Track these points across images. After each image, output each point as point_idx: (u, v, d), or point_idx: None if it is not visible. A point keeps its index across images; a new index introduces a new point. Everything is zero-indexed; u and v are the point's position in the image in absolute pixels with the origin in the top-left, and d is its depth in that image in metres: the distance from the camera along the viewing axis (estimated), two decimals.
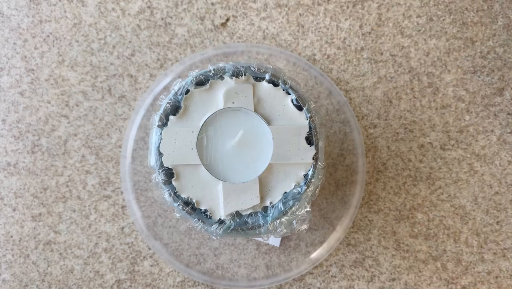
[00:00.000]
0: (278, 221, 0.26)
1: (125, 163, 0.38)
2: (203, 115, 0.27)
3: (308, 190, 0.26)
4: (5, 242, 0.39)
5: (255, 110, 0.27)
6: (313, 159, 0.26)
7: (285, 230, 0.26)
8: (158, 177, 0.26)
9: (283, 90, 0.27)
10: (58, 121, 0.39)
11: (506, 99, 0.39)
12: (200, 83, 0.27)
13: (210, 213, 0.26)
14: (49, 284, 0.38)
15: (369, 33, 0.40)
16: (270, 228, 0.26)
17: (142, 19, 0.40)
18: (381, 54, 0.40)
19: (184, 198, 0.26)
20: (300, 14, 0.40)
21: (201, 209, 0.26)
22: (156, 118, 0.27)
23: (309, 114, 0.27)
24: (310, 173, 0.26)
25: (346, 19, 0.40)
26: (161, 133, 0.26)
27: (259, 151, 0.27)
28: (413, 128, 0.39)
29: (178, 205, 0.26)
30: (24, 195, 0.39)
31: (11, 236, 0.39)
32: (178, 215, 0.27)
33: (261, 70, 0.27)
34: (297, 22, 0.40)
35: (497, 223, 0.39)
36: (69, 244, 0.38)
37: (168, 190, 0.26)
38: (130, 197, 0.38)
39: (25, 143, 0.39)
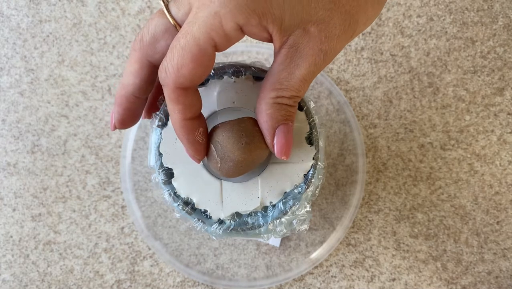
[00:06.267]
0: (278, 221, 0.26)
1: (125, 163, 0.38)
2: (203, 115, 0.27)
3: (308, 190, 0.26)
4: (5, 242, 0.38)
5: (255, 110, 0.27)
6: (313, 159, 0.26)
7: (285, 230, 0.26)
8: (158, 177, 0.26)
9: None
10: (58, 121, 0.39)
11: (506, 99, 0.39)
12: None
13: (210, 213, 0.26)
14: (49, 284, 0.38)
15: (369, 33, 0.40)
16: (270, 228, 0.26)
17: (142, 19, 0.40)
18: (381, 54, 0.40)
19: (184, 198, 0.26)
20: None
21: (201, 209, 0.26)
22: (156, 118, 0.27)
23: (309, 114, 0.27)
24: (310, 173, 0.26)
25: None
26: (161, 133, 0.26)
27: None
28: (413, 128, 0.39)
29: (178, 205, 0.26)
30: (24, 195, 0.39)
31: (11, 236, 0.39)
32: (178, 215, 0.27)
33: (261, 70, 0.27)
34: None
35: (497, 223, 0.39)
36: (69, 244, 0.38)
37: (168, 190, 0.26)
38: (130, 197, 0.38)
39: (25, 143, 0.39)
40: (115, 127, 0.24)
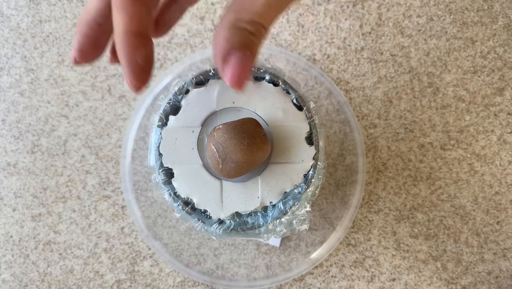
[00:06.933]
0: (278, 221, 0.26)
1: (125, 163, 0.38)
2: (204, 115, 0.27)
3: (308, 190, 0.26)
4: (5, 242, 0.39)
5: (255, 110, 0.27)
6: (313, 159, 0.26)
7: (285, 230, 0.26)
8: (158, 177, 0.26)
9: (283, 90, 0.27)
10: (58, 121, 0.39)
11: (506, 99, 0.39)
12: (200, 83, 0.27)
13: (210, 213, 0.26)
14: (49, 284, 0.38)
15: (369, 33, 0.40)
16: (270, 228, 0.26)
17: None
18: (381, 54, 0.40)
19: (184, 198, 0.26)
20: (300, 14, 0.40)
21: (201, 209, 0.26)
22: (156, 118, 0.27)
23: (309, 114, 0.27)
24: (310, 173, 0.26)
25: (346, 19, 0.40)
26: (161, 133, 0.26)
27: None
28: (413, 128, 0.39)
29: (178, 205, 0.26)
30: (24, 195, 0.39)
31: (11, 236, 0.39)
32: (178, 215, 0.27)
33: (261, 70, 0.27)
34: (297, 22, 0.40)
35: (497, 223, 0.39)
36: (69, 244, 0.38)
37: (168, 190, 0.26)
38: (130, 197, 0.38)
39: (25, 143, 0.39)
40: (75, 60, 0.22)
